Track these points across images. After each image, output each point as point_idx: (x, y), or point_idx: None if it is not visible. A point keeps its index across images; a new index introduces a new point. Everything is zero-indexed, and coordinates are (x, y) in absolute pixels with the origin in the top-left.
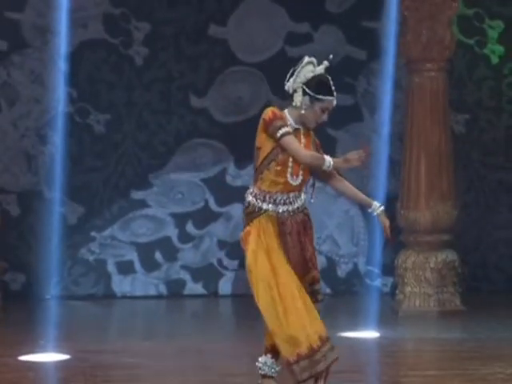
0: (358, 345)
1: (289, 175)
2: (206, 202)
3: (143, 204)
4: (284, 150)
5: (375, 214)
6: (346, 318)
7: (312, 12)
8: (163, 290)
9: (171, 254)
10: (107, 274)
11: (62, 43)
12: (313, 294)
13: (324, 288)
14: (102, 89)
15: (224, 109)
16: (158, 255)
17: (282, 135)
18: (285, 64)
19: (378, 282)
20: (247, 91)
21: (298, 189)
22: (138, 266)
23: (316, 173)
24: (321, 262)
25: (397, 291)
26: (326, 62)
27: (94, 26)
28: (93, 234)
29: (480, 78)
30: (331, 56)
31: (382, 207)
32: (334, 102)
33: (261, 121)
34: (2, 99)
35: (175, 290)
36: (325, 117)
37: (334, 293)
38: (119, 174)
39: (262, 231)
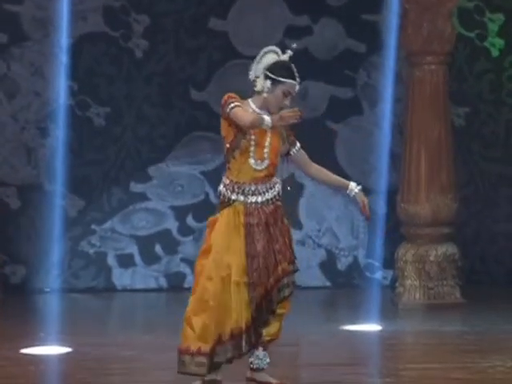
0: (358, 338)
1: (252, 160)
2: (207, 194)
3: (143, 197)
4: (245, 134)
5: (353, 193)
6: (346, 311)
7: (312, 5)
8: (163, 282)
9: (171, 246)
10: (107, 267)
11: (61, 36)
12: (279, 291)
13: (324, 281)
14: (102, 82)
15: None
16: (158, 248)
17: (231, 109)
18: None
19: (377, 275)
20: (247, 84)
21: (267, 176)
22: (138, 258)
23: (287, 158)
24: (320, 254)
25: (397, 284)
26: (289, 51)
27: (94, 19)
28: (93, 226)
29: (480, 71)
30: (295, 45)
31: (360, 186)
32: (297, 87)
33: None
34: (1, 92)
35: (175, 283)
36: (287, 101)
37: (334, 286)
38: (119, 166)
39: (228, 223)
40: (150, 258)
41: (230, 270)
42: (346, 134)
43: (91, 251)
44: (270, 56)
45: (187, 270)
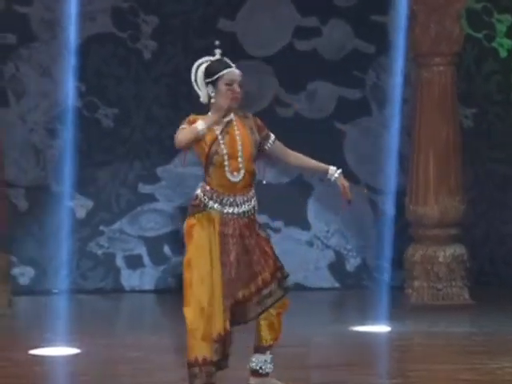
0: (367, 339)
1: (228, 174)
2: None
3: (151, 198)
4: (216, 153)
5: (333, 178)
6: (354, 312)
7: (320, 6)
8: (172, 283)
9: (179, 247)
10: (116, 268)
11: (70, 37)
12: (259, 303)
13: (333, 282)
14: (111, 83)
15: None
16: (166, 249)
17: (180, 130)
18: (293, 58)
19: (386, 276)
20: (255, 85)
21: (245, 187)
22: (146, 259)
23: (263, 156)
24: (329, 256)
25: (405, 285)
26: (217, 50)
27: (102, 20)
28: (101, 227)
29: (488, 71)
30: (217, 42)
31: (340, 170)
32: (236, 72)
33: None
34: (10, 93)
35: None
36: (235, 88)
37: (343, 287)
38: (127, 167)
39: (204, 227)
40: (159, 259)
41: (211, 278)
42: (354, 135)
43: (99, 252)
44: (201, 67)
45: None
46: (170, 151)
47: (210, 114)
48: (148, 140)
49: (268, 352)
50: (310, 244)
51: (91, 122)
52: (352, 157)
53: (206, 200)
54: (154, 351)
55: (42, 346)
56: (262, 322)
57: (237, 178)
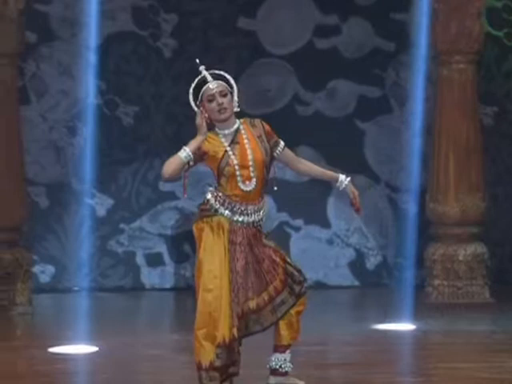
0: (387, 337)
1: (240, 184)
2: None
3: (172, 196)
4: (228, 164)
5: (343, 186)
6: (374, 311)
7: (340, 4)
8: (192, 281)
9: None
10: (136, 266)
11: (90, 35)
12: (273, 311)
13: (353, 280)
14: (131, 81)
15: (252, 101)
16: (186, 247)
17: (179, 154)
18: (313, 56)
19: (406, 275)
20: (275, 83)
21: (257, 195)
22: (166, 258)
23: (274, 162)
24: (349, 254)
25: (425, 284)
26: (201, 67)
27: (123, 18)
28: (121, 225)
29: (509, 70)
30: (197, 60)
31: (349, 178)
32: (212, 85)
33: None
34: (30, 91)
35: None
36: (219, 100)
37: (363, 285)
38: (147, 166)
39: (214, 231)
40: (179, 257)
41: (221, 284)
42: (374, 133)
43: (120, 250)
44: (190, 92)
45: None
46: None
47: (217, 130)
48: (168, 138)
49: (287, 351)
50: (330, 242)
51: (111, 120)
52: (372, 155)
53: (217, 206)
54: (177, 350)
55: (63, 344)
56: (281, 322)
57: (249, 187)
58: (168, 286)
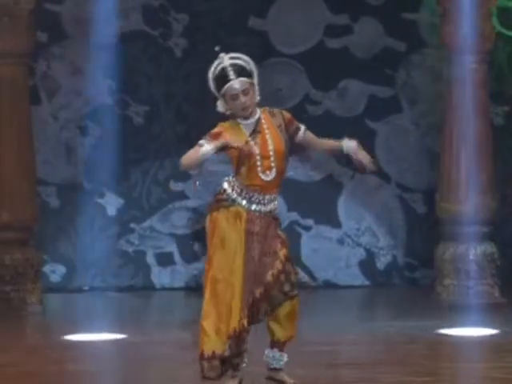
0: (397, 337)
1: (260, 173)
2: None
3: (182, 196)
4: (250, 154)
5: (351, 148)
6: (384, 310)
7: (351, 4)
8: (202, 281)
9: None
10: (146, 266)
11: (101, 35)
12: (285, 295)
13: (363, 280)
14: (142, 81)
15: (263, 100)
16: (197, 247)
17: (200, 145)
18: (324, 56)
19: (416, 274)
20: (286, 83)
21: (275, 188)
22: (177, 257)
23: (294, 151)
24: (359, 254)
25: (435, 283)
26: (221, 55)
27: (134, 18)
28: (132, 225)
29: None
30: (217, 48)
31: (354, 140)
32: (235, 84)
33: None
34: (42, 91)
35: None
36: (242, 99)
37: (373, 285)
38: (158, 165)
39: (230, 222)
40: (189, 257)
41: (232, 274)
42: (385, 133)
43: (130, 250)
44: (210, 78)
45: None
46: None
47: (239, 120)
48: (178, 137)
49: (276, 349)
50: (341, 242)
51: (122, 120)
52: (383, 155)
53: (235, 195)
54: (187, 349)
55: (73, 344)
56: (271, 322)
57: (269, 176)
58: (178, 285)
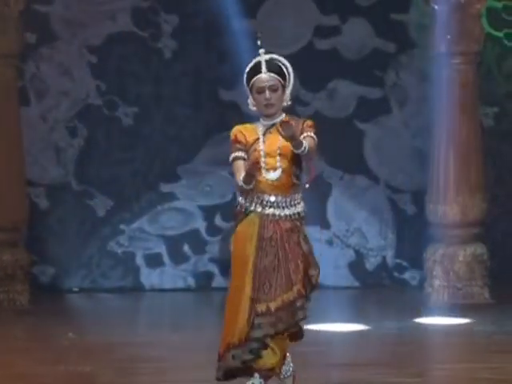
0: (386, 338)
1: (263, 171)
2: (235, 195)
3: (172, 197)
4: (254, 150)
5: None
6: (374, 312)
7: (341, 4)
8: (191, 282)
9: (200, 246)
10: (136, 267)
11: (90, 36)
12: (293, 313)
13: (352, 281)
14: (131, 82)
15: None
16: (186, 248)
17: (232, 160)
18: (313, 57)
19: (406, 275)
20: None
21: (285, 189)
22: (166, 258)
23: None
24: (349, 255)
25: (425, 284)
26: (261, 50)
27: (123, 19)
28: (121, 226)
29: (509, 70)
30: (259, 34)
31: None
32: (264, 77)
33: None
34: (31, 92)
35: (203, 283)
36: (266, 95)
37: (363, 286)
38: (148, 166)
39: (246, 235)
40: (179, 258)
41: (243, 282)
42: (374, 134)
43: (119, 251)
44: (244, 73)
45: (215, 270)
46: (190, 150)
47: (261, 120)
48: (168, 139)
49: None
50: (330, 243)
51: (111, 121)
52: (372, 156)
53: (248, 203)
54: (176, 350)
55: (65, 345)
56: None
57: (273, 176)
58: (167, 286)
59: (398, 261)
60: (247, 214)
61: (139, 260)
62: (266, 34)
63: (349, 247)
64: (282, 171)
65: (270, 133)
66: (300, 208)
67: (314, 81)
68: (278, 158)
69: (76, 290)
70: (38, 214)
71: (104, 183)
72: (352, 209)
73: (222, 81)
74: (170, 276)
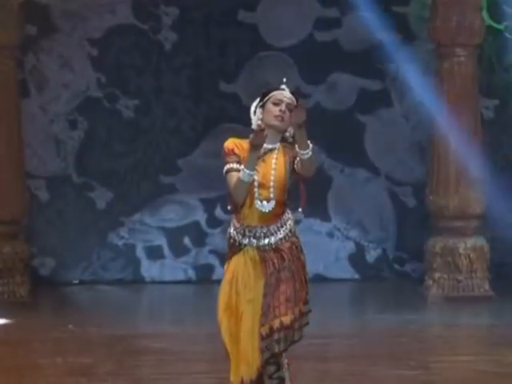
0: (387, 330)
1: (258, 202)
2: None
3: (172, 189)
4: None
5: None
6: (374, 304)
7: None
8: (192, 274)
9: (200, 238)
10: (136, 259)
11: (90, 28)
12: (298, 329)
13: (353, 273)
14: (131, 74)
15: (253, 94)
16: (186, 240)
17: (226, 172)
18: (314, 49)
19: (406, 268)
20: (276, 76)
21: (276, 216)
22: (166, 250)
23: (298, 177)
24: (349, 247)
25: (426, 277)
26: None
27: (123, 12)
28: (121, 218)
29: (510, 63)
30: (284, 79)
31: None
32: (285, 93)
33: None
34: (31, 84)
35: (204, 275)
36: (282, 107)
37: (363, 278)
38: (148, 159)
39: (238, 272)
40: (179, 250)
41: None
42: (374, 127)
43: (120, 243)
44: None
45: (215, 262)
46: (191, 142)
47: (251, 136)
48: (168, 131)
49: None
50: (331, 235)
51: (112, 113)
52: (373, 148)
53: (240, 237)
54: (177, 342)
55: (64, 336)
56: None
57: (266, 208)
58: (168, 278)
59: (399, 253)
60: (241, 248)
61: (139, 252)
62: (267, 26)
63: (349, 239)
64: (275, 202)
65: (264, 161)
66: (290, 224)
67: (314, 73)
68: (271, 189)
69: (76, 282)
70: (38, 206)
71: (104, 175)
72: (352, 201)
73: (222, 73)
74: (171, 268)
